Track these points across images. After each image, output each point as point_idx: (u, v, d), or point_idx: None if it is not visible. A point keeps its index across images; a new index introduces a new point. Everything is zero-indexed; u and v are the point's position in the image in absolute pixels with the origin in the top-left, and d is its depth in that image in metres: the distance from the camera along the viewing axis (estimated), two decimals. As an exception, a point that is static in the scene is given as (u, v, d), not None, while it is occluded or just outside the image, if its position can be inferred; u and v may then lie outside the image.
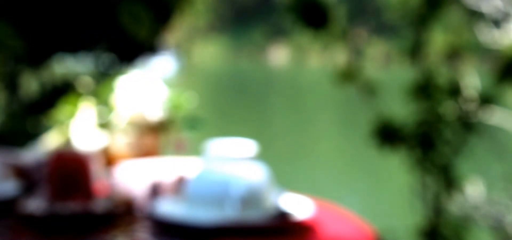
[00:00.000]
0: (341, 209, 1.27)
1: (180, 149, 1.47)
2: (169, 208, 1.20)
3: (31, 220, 1.17)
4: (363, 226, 1.15)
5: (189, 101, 1.44)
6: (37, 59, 7.22)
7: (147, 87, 1.40)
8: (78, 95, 1.43)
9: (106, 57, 8.11)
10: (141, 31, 1.33)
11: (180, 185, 1.27)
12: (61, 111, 1.43)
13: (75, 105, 1.42)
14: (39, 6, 6.68)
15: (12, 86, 7.30)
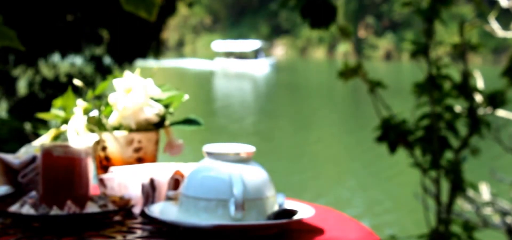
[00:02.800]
0: (344, 214, 1.23)
1: (177, 149, 1.43)
2: (166, 209, 1.16)
3: (23, 221, 1.13)
4: (367, 232, 1.11)
5: (184, 101, 1.39)
6: (33, 57, 7.26)
7: (143, 86, 1.36)
8: (74, 93, 1.39)
9: (103, 55, 8.14)
10: (150, 13, 1.28)
11: (177, 186, 1.23)
12: (56, 109, 1.40)
13: (70, 104, 1.38)
14: (35, 3, 6.69)
15: (7, 84, 7.32)
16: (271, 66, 35.60)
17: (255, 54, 37.33)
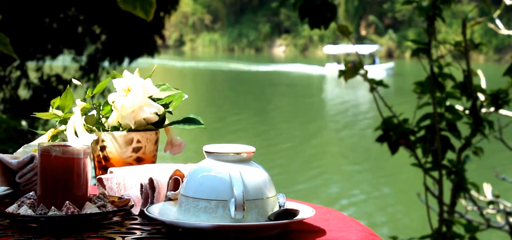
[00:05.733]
0: (345, 215, 1.22)
1: (178, 148, 1.42)
2: (166, 209, 1.15)
3: (21, 222, 1.12)
4: (369, 233, 1.10)
5: (183, 99, 1.38)
6: (30, 55, 7.24)
7: (142, 85, 1.35)
8: (71, 93, 1.38)
9: (102, 54, 8.13)
10: (147, 12, 1.27)
11: (176, 186, 1.22)
12: (54, 109, 1.38)
13: (68, 103, 1.37)
14: (29, 2, 6.66)
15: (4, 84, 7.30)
16: (387, 71, 33.09)
17: (372, 59, 35.39)
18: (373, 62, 34.84)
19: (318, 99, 23.75)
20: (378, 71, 33.11)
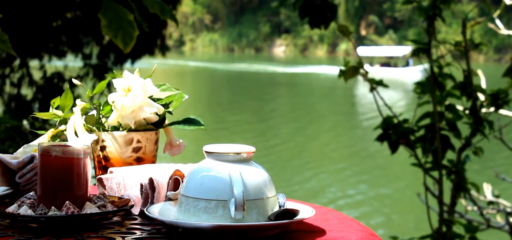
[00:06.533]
0: (345, 215, 1.22)
1: (177, 149, 1.42)
2: (166, 209, 1.15)
3: (21, 222, 1.12)
4: (369, 233, 1.10)
5: (184, 100, 1.38)
6: (30, 55, 7.24)
7: (143, 85, 1.35)
8: (72, 92, 1.38)
9: (102, 54, 8.11)
10: (126, 45, 1.26)
11: (176, 186, 1.21)
12: (54, 109, 1.38)
13: (68, 103, 1.37)
14: (32, 1, 6.65)
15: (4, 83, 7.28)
16: (422, 74, 31.91)
17: (405, 60, 34.47)
18: (407, 64, 34.08)
19: (351, 101, 23.34)
20: (412, 72, 31.94)
